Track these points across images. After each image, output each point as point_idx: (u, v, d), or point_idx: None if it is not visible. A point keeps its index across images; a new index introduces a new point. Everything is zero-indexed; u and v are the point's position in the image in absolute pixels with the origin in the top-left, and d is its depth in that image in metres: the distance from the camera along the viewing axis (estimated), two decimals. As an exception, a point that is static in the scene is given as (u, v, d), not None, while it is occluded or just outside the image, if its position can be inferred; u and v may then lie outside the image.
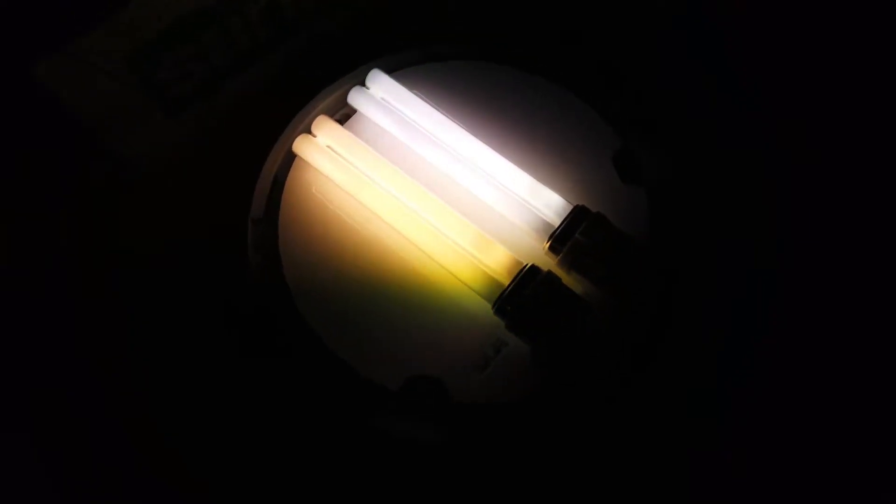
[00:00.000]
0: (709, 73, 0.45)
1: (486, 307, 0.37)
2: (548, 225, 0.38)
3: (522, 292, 0.36)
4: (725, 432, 0.39)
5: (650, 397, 0.38)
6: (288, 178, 0.40)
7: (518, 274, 0.36)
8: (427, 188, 0.39)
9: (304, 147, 0.40)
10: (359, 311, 0.38)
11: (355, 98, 0.41)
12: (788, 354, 0.40)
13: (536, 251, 0.38)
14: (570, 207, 0.38)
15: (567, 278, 0.37)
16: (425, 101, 0.41)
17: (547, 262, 0.38)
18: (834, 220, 0.42)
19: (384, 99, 0.41)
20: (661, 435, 0.39)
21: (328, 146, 0.40)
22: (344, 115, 0.42)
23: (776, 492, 0.38)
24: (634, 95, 0.43)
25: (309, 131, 0.41)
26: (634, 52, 0.45)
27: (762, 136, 0.44)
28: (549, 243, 0.37)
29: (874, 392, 0.39)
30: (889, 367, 0.39)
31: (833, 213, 0.42)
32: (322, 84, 0.42)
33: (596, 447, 0.38)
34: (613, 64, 0.44)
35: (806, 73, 0.45)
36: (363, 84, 0.42)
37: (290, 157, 0.41)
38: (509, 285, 0.36)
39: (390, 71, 0.42)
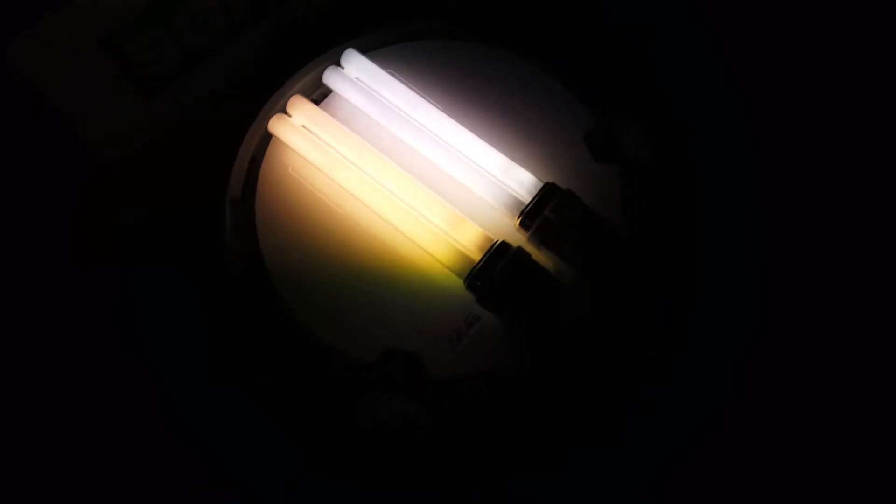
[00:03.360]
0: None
1: (459, 283, 0.37)
2: (519, 202, 0.38)
3: (492, 268, 0.36)
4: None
5: (633, 384, 0.39)
6: (264, 159, 0.41)
7: (489, 250, 0.37)
8: (401, 166, 0.40)
9: (279, 127, 0.40)
10: (335, 288, 0.38)
11: (330, 78, 0.42)
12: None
13: (509, 228, 0.39)
14: (540, 185, 0.38)
15: (538, 255, 0.38)
16: (399, 81, 0.41)
17: (519, 238, 0.38)
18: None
19: (359, 79, 0.42)
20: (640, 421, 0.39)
21: (303, 126, 0.41)
22: (320, 94, 0.42)
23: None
24: (609, 75, 0.43)
25: (285, 111, 0.41)
26: (623, 44, 0.45)
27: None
28: (519, 220, 0.38)
29: (874, 392, 0.39)
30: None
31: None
32: (298, 64, 0.42)
33: (576, 428, 0.39)
34: (587, 43, 0.44)
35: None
36: (338, 64, 0.42)
37: (267, 137, 0.41)
38: (480, 261, 0.37)
39: (365, 51, 0.42)
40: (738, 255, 0.42)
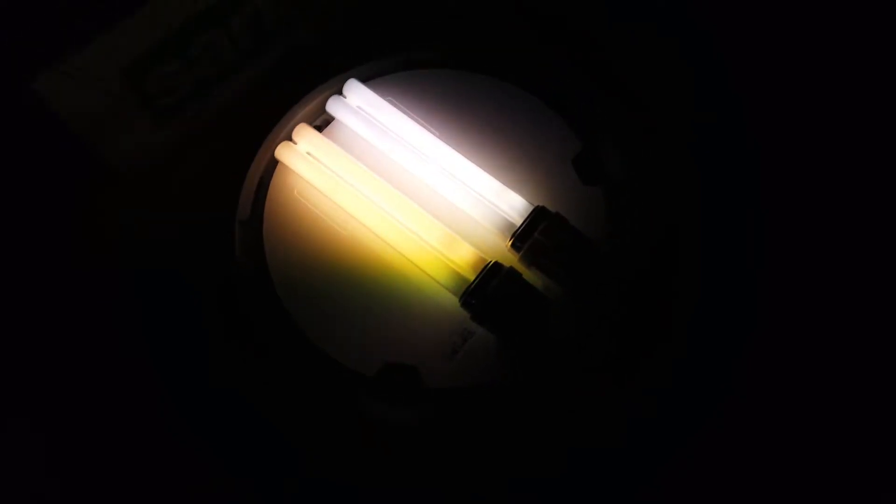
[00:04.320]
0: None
1: (454, 300, 0.39)
2: (511, 224, 0.40)
3: (486, 287, 0.38)
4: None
5: (633, 384, 0.40)
6: (271, 182, 0.42)
7: (482, 270, 0.38)
8: (399, 190, 0.41)
9: (285, 154, 0.42)
10: (337, 304, 0.40)
11: (333, 106, 0.43)
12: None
13: (501, 249, 0.40)
14: (531, 208, 0.40)
15: (529, 274, 0.39)
16: (398, 108, 0.43)
17: (510, 259, 0.40)
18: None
19: (360, 107, 0.43)
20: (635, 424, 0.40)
21: (308, 152, 0.42)
22: (323, 121, 0.44)
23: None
24: (596, 100, 0.44)
25: (290, 138, 0.43)
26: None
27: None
28: (510, 242, 0.39)
29: (874, 392, 0.39)
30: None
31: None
32: (302, 93, 0.44)
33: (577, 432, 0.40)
34: (577, 70, 0.45)
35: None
36: (340, 93, 0.43)
37: (274, 162, 0.43)
38: (474, 280, 0.38)
39: (366, 80, 0.44)
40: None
